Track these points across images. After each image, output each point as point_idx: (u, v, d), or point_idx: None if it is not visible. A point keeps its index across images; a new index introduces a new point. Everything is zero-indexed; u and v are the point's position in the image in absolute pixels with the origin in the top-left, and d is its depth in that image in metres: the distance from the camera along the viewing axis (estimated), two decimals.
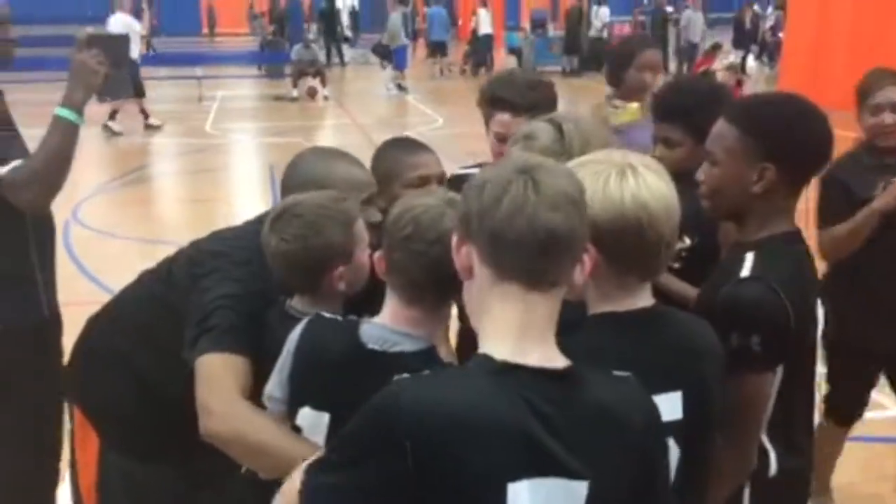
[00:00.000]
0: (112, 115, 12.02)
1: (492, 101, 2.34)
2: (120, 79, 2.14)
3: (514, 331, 1.21)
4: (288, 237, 1.72)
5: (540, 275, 1.20)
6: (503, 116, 2.30)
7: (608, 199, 1.37)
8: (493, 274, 1.21)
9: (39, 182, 2.38)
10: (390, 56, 17.93)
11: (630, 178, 1.38)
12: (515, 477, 1.14)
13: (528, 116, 2.18)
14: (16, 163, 2.38)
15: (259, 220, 1.94)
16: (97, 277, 6.10)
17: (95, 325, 2.21)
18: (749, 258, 1.65)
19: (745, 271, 1.63)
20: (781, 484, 1.72)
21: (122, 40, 2.67)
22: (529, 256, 1.18)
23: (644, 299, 1.45)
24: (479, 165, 2.33)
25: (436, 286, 1.42)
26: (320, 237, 1.71)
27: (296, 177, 1.95)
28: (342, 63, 22.51)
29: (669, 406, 1.38)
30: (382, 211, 1.86)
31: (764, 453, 1.70)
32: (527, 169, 1.20)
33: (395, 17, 18.42)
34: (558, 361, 1.22)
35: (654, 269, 1.44)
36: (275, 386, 1.61)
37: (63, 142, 2.36)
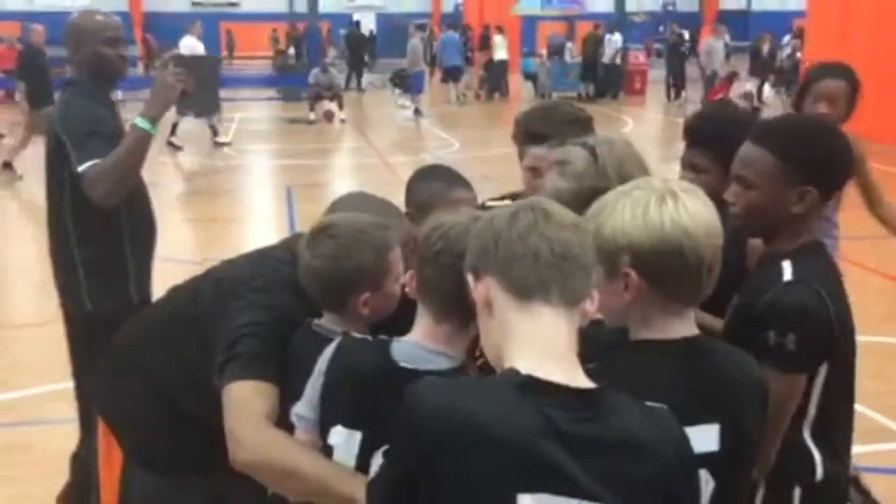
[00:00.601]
0: (214, 132, 13.22)
1: (527, 136, 2.30)
2: (207, 96, 2.29)
3: (539, 348, 1.23)
4: (319, 255, 1.75)
5: (559, 287, 1.24)
6: (538, 150, 2.22)
7: (649, 225, 1.39)
8: (513, 297, 1.25)
9: (108, 179, 2.65)
10: (406, 84, 17.98)
11: (669, 204, 1.40)
12: (526, 489, 1.15)
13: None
14: (94, 161, 2.64)
15: (285, 245, 1.97)
16: None
17: (122, 338, 2.23)
18: (787, 265, 1.70)
19: (788, 276, 1.68)
20: (827, 488, 1.75)
21: (211, 61, 3.01)
22: (547, 268, 1.23)
23: (687, 328, 1.46)
24: (514, 196, 2.29)
25: (465, 299, 1.42)
26: (350, 260, 1.73)
27: None
28: (359, 87, 22.66)
29: (706, 438, 1.39)
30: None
31: (810, 457, 1.73)
32: (534, 205, 1.29)
33: (416, 42, 18.55)
34: (584, 382, 1.23)
35: (696, 293, 1.45)
36: (305, 406, 1.62)
37: (133, 147, 2.64)
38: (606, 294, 1.43)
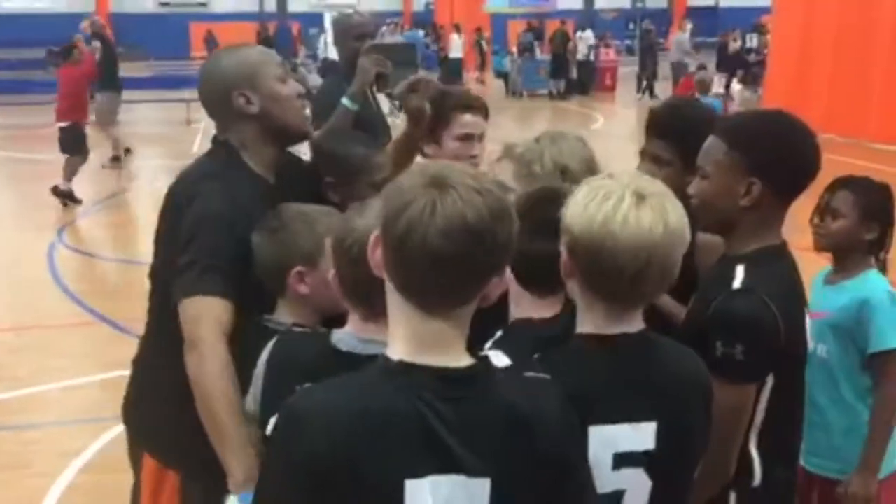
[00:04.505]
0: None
1: (455, 106, 2.50)
2: (404, 77, 2.60)
3: (411, 336, 1.21)
4: (261, 228, 1.81)
5: (428, 299, 1.19)
6: (468, 117, 2.48)
7: (585, 216, 1.36)
8: (392, 284, 1.22)
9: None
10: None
11: (610, 202, 1.34)
12: (413, 474, 1.15)
13: (484, 117, 2.50)
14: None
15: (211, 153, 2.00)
16: (82, 300, 6.08)
17: (138, 358, 2.13)
18: (740, 270, 1.67)
19: (737, 283, 1.66)
20: (766, 493, 1.74)
21: (406, 48, 3.58)
22: (419, 279, 1.18)
23: (628, 325, 1.41)
24: None
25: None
26: (286, 231, 1.79)
27: None
28: None
29: (641, 436, 1.37)
30: (339, 204, 1.99)
31: (749, 463, 1.71)
32: (437, 183, 1.17)
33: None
34: (459, 361, 1.21)
35: (619, 298, 1.39)
36: (249, 402, 1.66)
37: (338, 119, 3.18)
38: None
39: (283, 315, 1.82)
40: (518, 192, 1.92)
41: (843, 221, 2.39)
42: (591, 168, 2.01)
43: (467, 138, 2.46)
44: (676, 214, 1.37)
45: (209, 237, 1.81)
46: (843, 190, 2.42)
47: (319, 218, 1.82)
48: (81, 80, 9.51)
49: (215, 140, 2.01)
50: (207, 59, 2.10)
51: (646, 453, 1.38)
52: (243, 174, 1.94)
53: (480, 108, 2.53)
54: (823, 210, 2.43)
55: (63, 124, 9.37)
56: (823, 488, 2.45)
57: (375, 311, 1.46)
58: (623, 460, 1.35)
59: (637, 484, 1.39)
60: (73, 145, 9.31)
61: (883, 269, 2.46)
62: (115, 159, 11.16)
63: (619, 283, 1.35)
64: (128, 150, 11.02)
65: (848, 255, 2.44)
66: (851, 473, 2.38)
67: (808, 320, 1.78)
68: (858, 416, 2.40)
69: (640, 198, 1.34)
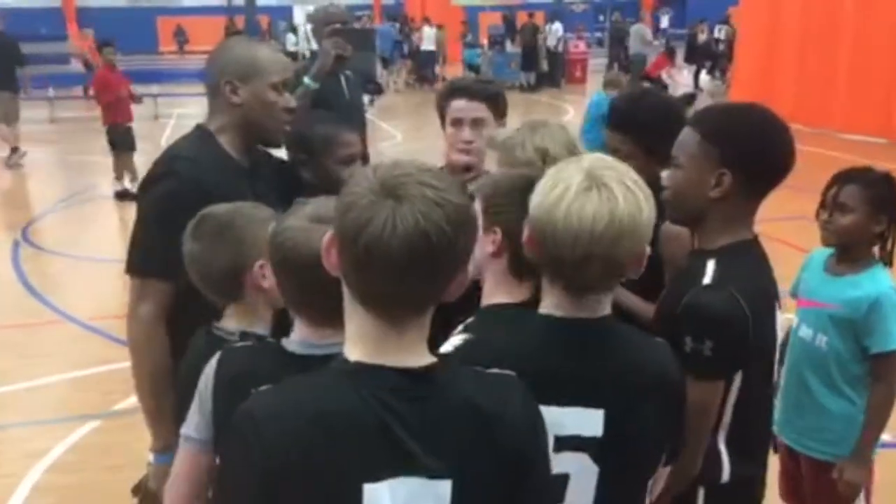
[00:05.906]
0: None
1: (449, 93, 2.51)
2: (363, 59, 2.66)
3: (369, 339, 1.18)
4: (201, 237, 1.69)
5: (389, 310, 1.16)
6: (460, 102, 2.46)
7: (538, 203, 1.35)
8: (350, 294, 1.19)
9: None
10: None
11: (557, 190, 1.33)
12: (371, 477, 1.12)
13: (484, 103, 2.45)
14: None
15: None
16: (47, 298, 5.98)
17: None
18: (710, 266, 1.66)
19: (708, 279, 1.64)
20: (735, 490, 1.73)
21: (366, 33, 3.77)
22: (379, 294, 1.15)
23: (590, 310, 1.39)
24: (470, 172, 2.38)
25: (338, 306, 1.24)
26: (234, 231, 1.68)
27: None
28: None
29: (586, 421, 1.36)
30: (313, 182, 2.09)
31: (718, 459, 1.70)
32: (392, 193, 1.12)
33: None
34: (419, 361, 1.18)
35: (570, 284, 1.38)
36: (192, 426, 1.52)
37: (298, 96, 3.07)
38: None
39: (232, 322, 1.70)
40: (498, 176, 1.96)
41: (852, 216, 2.38)
42: (571, 151, 2.00)
43: (457, 123, 2.44)
44: (630, 203, 1.32)
45: (162, 216, 1.94)
46: (849, 184, 2.40)
47: (251, 209, 1.73)
48: (100, 82, 9.43)
49: (198, 126, 2.15)
50: (221, 42, 2.25)
51: (592, 439, 1.36)
52: (217, 155, 2.07)
53: (475, 93, 2.45)
54: (831, 205, 2.41)
55: (106, 126, 9.39)
56: (813, 469, 2.49)
57: (323, 316, 1.38)
58: (565, 443, 1.34)
59: (582, 469, 1.37)
60: (116, 144, 9.30)
61: (889, 261, 2.45)
62: (14, 151, 11.23)
63: (562, 270, 1.36)
64: (15, 150, 10.97)
65: (854, 248, 2.43)
66: (845, 461, 2.41)
67: (778, 313, 1.76)
68: (849, 402, 2.43)
69: (589, 186, 1.32)
